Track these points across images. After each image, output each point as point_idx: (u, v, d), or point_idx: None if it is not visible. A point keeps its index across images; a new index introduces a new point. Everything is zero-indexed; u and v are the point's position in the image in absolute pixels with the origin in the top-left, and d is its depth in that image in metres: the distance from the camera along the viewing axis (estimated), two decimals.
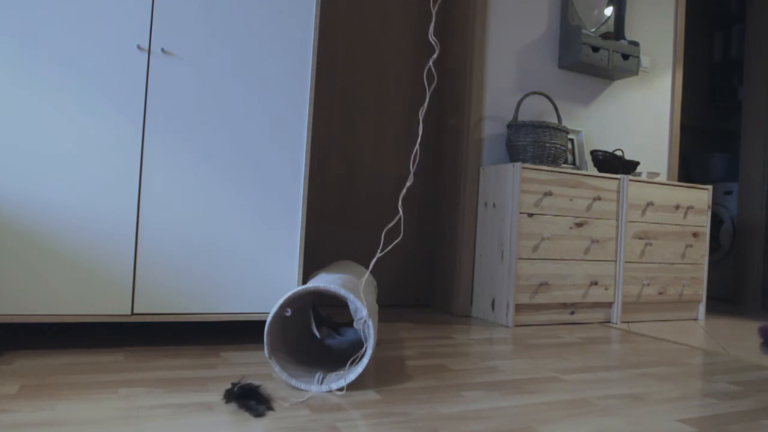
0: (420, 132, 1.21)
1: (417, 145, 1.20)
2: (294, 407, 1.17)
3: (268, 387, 1.29)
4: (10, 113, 1.45)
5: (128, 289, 1.56)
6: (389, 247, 1.41)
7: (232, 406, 1.14)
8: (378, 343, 1.86)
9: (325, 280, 1.40)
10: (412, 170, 1.22)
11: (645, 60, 3.21)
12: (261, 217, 1.72)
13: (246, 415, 1.10)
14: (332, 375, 1.35)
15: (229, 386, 1.25)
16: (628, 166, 2.75)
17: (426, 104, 1.18)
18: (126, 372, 1.36)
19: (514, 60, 2.78)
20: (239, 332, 1.92)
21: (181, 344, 1.69)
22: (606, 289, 2.59)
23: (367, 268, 2.69)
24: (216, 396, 1.21)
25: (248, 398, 1.14)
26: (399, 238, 1.63)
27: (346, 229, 2.67)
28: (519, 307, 2.40)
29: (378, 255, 1.23)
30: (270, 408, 1.14)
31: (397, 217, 1.86)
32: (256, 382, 1.20)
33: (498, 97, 2.74)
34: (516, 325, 2.38)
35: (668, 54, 3.32)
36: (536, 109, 2.85)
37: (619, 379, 1.57)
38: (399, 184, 2.78)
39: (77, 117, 1.51)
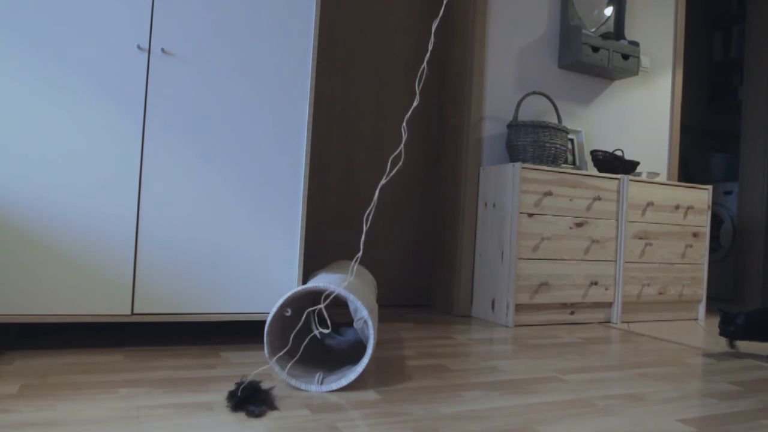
0: (404, 136, 1.21)
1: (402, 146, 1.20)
2: (294, 407, 1.17)
3: (268, 387, 1.28)
4: (10, 114, 1.45)
5: (128, 289, 1.56)
6: (392, 172, 1.42)
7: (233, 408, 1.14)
8: (378, 343, 1.86)
9: (325, 280, 1.40)
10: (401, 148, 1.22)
11: (645, 60, 3.21)
12: (261, 217, 1.72)
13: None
14: (332, 375, 1.35)
15: (232, 387, 1.25)
16: (628, 166, 2.75)
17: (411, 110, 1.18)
18: (126, 372, 1.36)
19: (514, 60, 2.78)
20: (239, 332, 1.92)
21: (181, 344, 1.69)
22: (606, 289, 2.59)
23: (368, 269, 2.69)
24: (216, 396, 1.21)
25: (250, 401, 1.14)
26: (400, 162, 1.65)
27: (346, 229, 2.67)
28: (519, 307, 2.40)
29: (383, 181, 1.22)
30: (272, 408, 1.14)
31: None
32: (257, 380, 1.20)
33: (498, 97, 2.73)
34: (516, 325, 2.38)
35: (668, 54, 3.32)
36: (536, 109, 2.85)
37: (619, 379, 1.57)
38: (398, 184, 2.78)
39: (77, 117, 1.51)
